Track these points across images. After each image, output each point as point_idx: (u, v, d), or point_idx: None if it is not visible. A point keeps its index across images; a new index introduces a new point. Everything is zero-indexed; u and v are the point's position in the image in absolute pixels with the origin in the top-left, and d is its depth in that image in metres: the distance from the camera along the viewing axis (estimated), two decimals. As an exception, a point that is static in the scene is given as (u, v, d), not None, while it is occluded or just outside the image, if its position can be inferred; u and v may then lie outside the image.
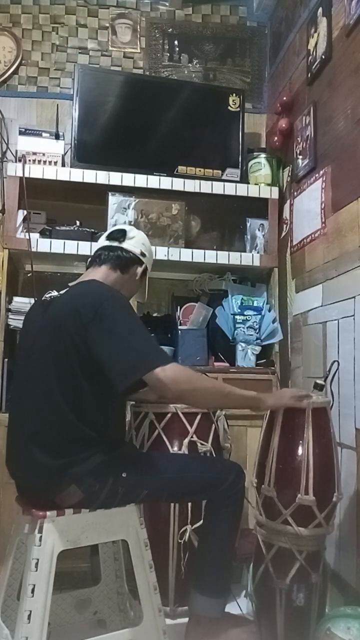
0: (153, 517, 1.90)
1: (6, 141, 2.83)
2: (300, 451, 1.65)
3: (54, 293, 1.68)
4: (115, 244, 1.78)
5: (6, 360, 2.43)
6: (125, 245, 1.78)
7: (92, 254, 1.84)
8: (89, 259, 1.83)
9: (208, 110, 2.82)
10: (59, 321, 1.55)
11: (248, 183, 2.78)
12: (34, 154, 2.62)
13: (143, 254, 1.81)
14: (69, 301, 1.59)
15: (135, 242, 1.80)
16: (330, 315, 2.14)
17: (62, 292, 1.67)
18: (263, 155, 2.81)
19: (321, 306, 2.23)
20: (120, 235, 1.80)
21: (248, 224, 2.77)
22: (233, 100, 2.84)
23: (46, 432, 1.52)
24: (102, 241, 1.83)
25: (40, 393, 1.55)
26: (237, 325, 2.60)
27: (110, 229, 1.87)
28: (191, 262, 2.64)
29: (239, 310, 2.63)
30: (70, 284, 1.71)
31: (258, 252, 2.73)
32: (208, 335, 2.65)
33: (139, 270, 1.80)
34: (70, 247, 2.51)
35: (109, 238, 1.82)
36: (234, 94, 2.85)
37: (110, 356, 1.49)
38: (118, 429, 1.71)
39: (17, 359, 1.77)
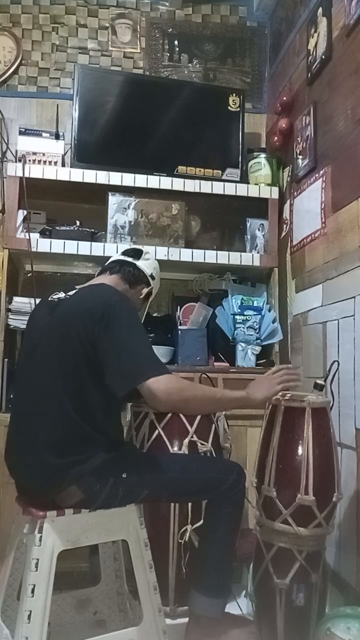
0: (153, 517, 1.90)
1: (6, 141, 2.83)
2: (300, 451, 1.65)
3: (61, 294, 1.68)
4: (130, 259, 1.85)
5: (6, 360, 2.43)
6: (139, 263, 1.86)
7: (105, 263, 1.90)
8: (101, 268, 1.88)
9: (208, 110, 2.82)
10: (68, 321, 1.56)
11: (248, 183, 2.78)
12: (34, 154, 2.62)
13: (152, 277, 1.89)
14: (79, 302, 1.60)
15: (149, 264, 1.89)
16: (330, 315, 2.14)
17: (70, 293, 1.67)
18: (263, 155, 2.81)
19: (321, 306, 2.23)
20: (137, 254, 1.89)
21: (248, 224, 2.77)
22: (233, 100, 2.84)
23: (49, 431, 1.52)
24: (117, 255, 1.90)
25: (44, 392, 1.55)
26: (237, 325, 2.60)
27: (128, 247, 1.96)
28: (191, 262, 2.64)
29: (239, 310, 2.63)
30: (77, 286, 1.72)
31: (258, 252, 2.73)
32: (208, 335, 2.65)
33: (145, 290, 1.88)
34: (70, 247, 2.51)
35: (125, 254, 1.89)
36: (234, 94, 2.85)
37: (110, 361, 1.50)
38: (119, 429, 1.71)
39: (21, 357, 1.77)
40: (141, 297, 1.87)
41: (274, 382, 1.73)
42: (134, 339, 1.52)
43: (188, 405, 1.61)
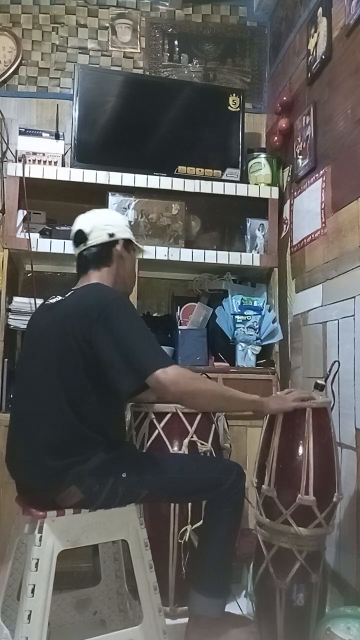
0: (153, 517, 1.90)
1: (6, 141, 2.83)
2: (300, 451, 1.65)
3: (58, 298, 1.68)
4: (82, 247, 1.74)
5: (6, 360, 2.43)
6: (91, 242, 1.72)
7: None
8: (77, 272, 1.78)
9: (208, 110, 2.82)
10: (64, 322, 1.56)
11: (248, 183, 2.78)
12: (34, 154, 2.62)
13: (112, 234, 1.73)
14: (75, 303, 1.60)
15: (98, 232, 1.72)
16: (330, 315, 2.14)
17: (66, 295, 1.66)
18: (263, 155, 2.81)
19: (321, 306, 2.23)
20: (82, 237, 1.74)
21: (248, 224, 2.77)
22: (233, 100, 2.84)
23: (48, 432, 1.52)
24: (73, 247, 1.78)
25: (43, 393, 1.56)
26: (237, 325, 2.60)
27: (72, 236, 1.78)
28: (191, 262, 2.64)
29: (239, 310, 2.63)
30: (73, 288, 1.72)
31: (258, 252, 2.73)
32: (208, 335, 2.65)
33: (119, 248, 1.74)
34: (70, 247, 2.49)
35: (75, 245, 1.77)
36: (234, 94, 2.85)
37: (113, 359, 1.49)
38: (119, 429, 1.71)
39: (20, 359, 1.77)
40: (124, 255, 1.75)
41: (288, 398, 1.72)
42: (135, 335, 1.52)
43: (196, 397, 1.57)
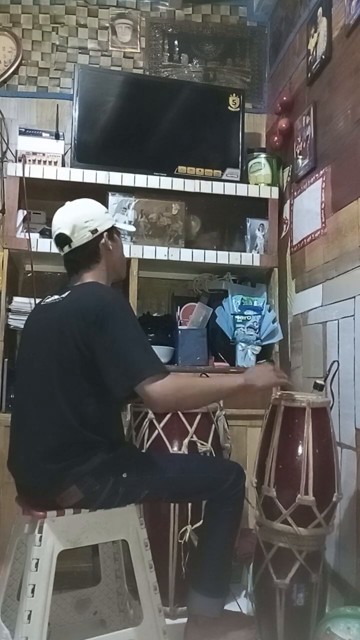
0: (153, 517, 1.90)
1: (6, 141, 2.83)
2: (300, 451, 1.65)
3: (55, 297, 1.68)
4: (67, 249, 1.69)
5: (6, 360, 2.43)
6: (75, 243, 1.67)
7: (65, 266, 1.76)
8: (67, 274, 1.75)
9: (208, 110, 2.82)
10: (62, 323, 1.56)
11: (248, 183, 2.78)
12: (34, 154, 2.62)
13: (94, 230, 1.69)
14: (72, 303, 1.59)
15: (80, 231, 1.67)
16: (330, 315, 2.14)
17: (63, 295, 1.66)
18: (263, 155, 2.81)
19: (321, 306, 2.23)
20: (65, 240, 1.68)
21: (248, 224, 2.77)
22: (233, 100, 2.84)
23: (47, 434, 1.52)
24: (58, 250, 1.73)
25: (42, 395, 1.56)
26: (237, 325, 2.60)
27: (54, 238, 1.72)
28: (191, 262, 2.64)
29: (239, 310, 2.63)
30: (69, 287, 1.71)
31: (258, 252, 2.73)
32: (208, 335, 2.65)
33: (105, 240, 1.71)
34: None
35: (59, 247, 1.72)
36: (234, 94, 2.85)
37: (106, 364, 1.50)
38: (118, 429, 1.71)
39: (19, 360, 1.77)
40: (110, 245, 1.72)
41: (272, 373, 1.70)
42: (129, 340, 1.51)
43: (186, 403, 1.62)
